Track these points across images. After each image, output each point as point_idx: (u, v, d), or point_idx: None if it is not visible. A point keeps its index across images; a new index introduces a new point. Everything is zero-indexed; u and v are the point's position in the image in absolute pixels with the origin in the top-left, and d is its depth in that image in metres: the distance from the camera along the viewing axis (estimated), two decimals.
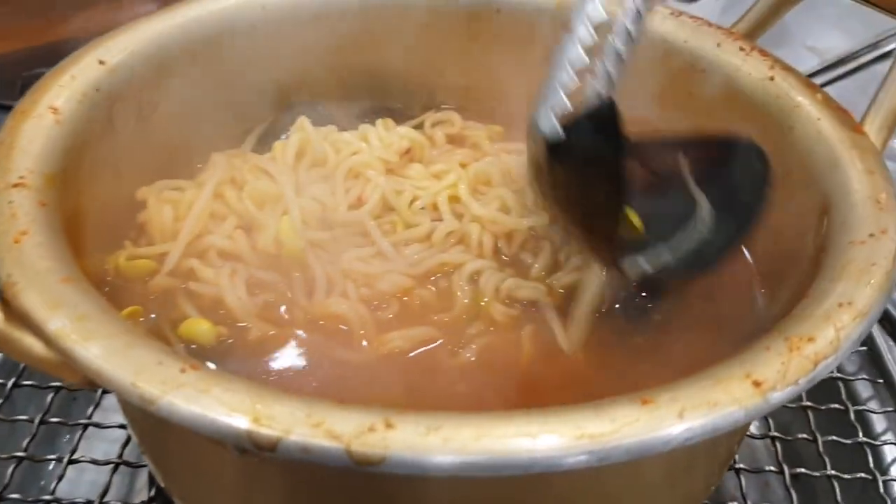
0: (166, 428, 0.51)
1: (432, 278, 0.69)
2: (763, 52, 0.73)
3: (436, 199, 0.73)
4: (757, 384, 0.45)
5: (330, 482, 0.50)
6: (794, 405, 0.78)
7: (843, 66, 1.22)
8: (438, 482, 0.47)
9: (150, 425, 0.58)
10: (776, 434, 0.76)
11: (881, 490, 0.71)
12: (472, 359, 0.64)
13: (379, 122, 0.80)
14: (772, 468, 0.73)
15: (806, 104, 0.68)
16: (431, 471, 0.41)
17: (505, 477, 0.43)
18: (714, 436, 0.44)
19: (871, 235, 0.56)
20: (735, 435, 0.62)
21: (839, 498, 0.70)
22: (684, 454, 0.55)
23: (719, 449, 0.61)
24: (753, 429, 0.80)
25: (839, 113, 0.67)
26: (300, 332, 0.64)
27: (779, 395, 0.45)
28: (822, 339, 0.48)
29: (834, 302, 0.51)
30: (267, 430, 0.41)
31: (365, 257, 0.69)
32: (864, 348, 0.85)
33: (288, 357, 0.62)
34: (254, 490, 0.53)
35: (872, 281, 0.53)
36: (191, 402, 0.42)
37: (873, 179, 0.61)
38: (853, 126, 0.66)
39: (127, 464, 0.71)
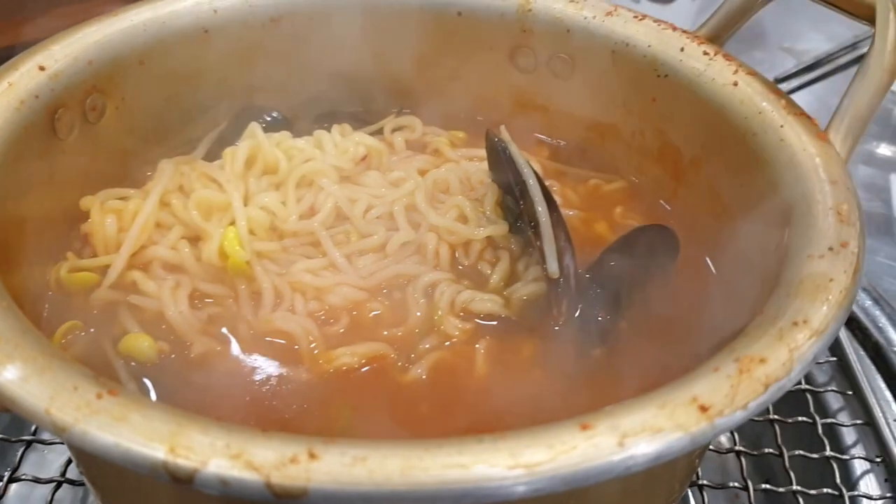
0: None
1: (385, 291, 0.67)
2: (728, 57, 0.71)
3: (392, 207, 0.71)
4: (703, 409, 0.43)
5: None
6: (760, 418, 0.76)
7: (819, 68, 1.21)
8: None
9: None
10: (742, 448, 0.74)
11: (836, 478, 0.70)
12: (424, 376, 0.62)
13: (335, 127, 0.77)
14: (736, 484, 0.71)
15: (769, 110, 0.66)
16: (357, 503, 0.39)
17: None
18: (658, 463, 0.42)
19: (831, 249, 0.54)
20: (694, 452, 0.60)
21: None
22: (638, 474, 0.53)
23: (677, 467, 0.59)
24: (722, 440, 0.78)
25: (803, 120, 0.65)
26: (245, 349, 0.62)
27: (726, 421, 0.43)
28: (775, 361, 0.46)
29: (788, 320, 0.49)
30: (184, 461, 0.39)
31: (315, 269, 0.67)
32: (834, 359, 0.84)
33: (231, 375, 0.60)
34: None
35: (830, 298, 0.51)
36: (105, 431, 0.40)
37: (836, 190, 0.59)
38: (817, 134, 0.64)
39: (70, 482, 0.69)
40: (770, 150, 0.64)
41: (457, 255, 0.70)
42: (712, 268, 0.70)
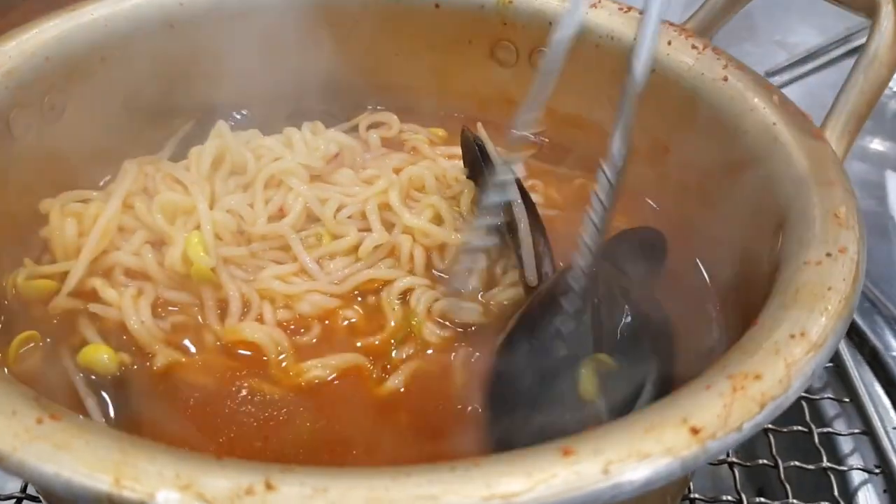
0: None
1: (359, 297, 0.64)
2: (717, 51, 0.68)
3: (364, 206, 0.68)
4: (695, 431, 0.40)
5: None
6: None
7: (811, 61, 1.18)
8: None
9: None
10: (735, 459, 0.70)
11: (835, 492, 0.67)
12: (401, 388, 0.59)
13: (306, 125, 0.74)
14: (729, 497, 0.68)
15: (761, 107, 0.63)
16: None
17: None
18: (647, 490, 0.39)
19: (829, 255, 0.51)
20: None
21: None
22: None
23: (668, 484, 0.56)
24: None
25: (797, 117, 0.62)
26: (210, 360, 0.59)
27: (719, 444, 0.40)
28: (771, 377, 0.43)
29: (785, 332, 0.46)
30: (129, 493, 0.36)
31: (285, 275, 0.64)
32: (830, 364, 0.81)
33: (195, 388, 0.57)
34: None
35: (828, 308, 0.48)
36: (44, 460, 0.37)
37: (832, 192, 0.56)
38: (812, 132, 0.61)
39: (31, 498, 0.65)
40: (762, 148, 0.61)
41: (432, 257, 0.67)
42: (703, 272, 0.67)
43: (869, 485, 0.72)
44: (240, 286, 0.62)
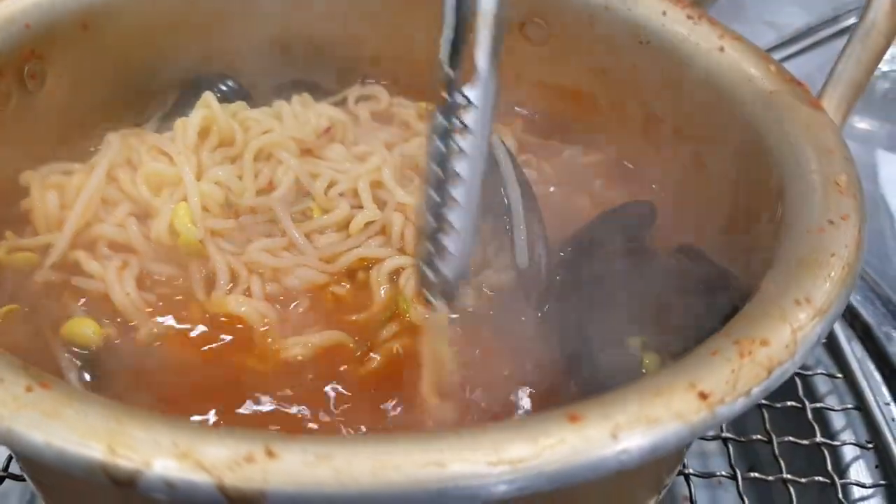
0: None
1: (347, 273, 0.63)
2: (712, 21, 0.67)
3: (356, 184, 0.66)
4: (703, 396, 0.39)
5: None
6: None
7: (801, 41, 1.18)
8: None
9: None
10: (729, 435, 0.70)
11: (839, 494, 0.66)
12: (384, 367, 0.57)
13: (295, 98, 0.72)
14: (723, 473, 0.67)
15: (758, 77, 0.62)
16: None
17: None
18: (654, 457, 0.38)
19: (831, 222, 0.50)
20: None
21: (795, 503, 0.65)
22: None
23: (667, 457, 0.55)
24: None
25: (795, 86, 0.61)
26: (196, 334, 0.57)
27: (728, 409, 0.39)
28: (777, 343, 0.42)
29: (790, 299, 0.45)
30: (124, 462, 0.35)
31: (274, 248, 0.62)
32: (824, 341, 0.80)
33: (180, 362, 0.56)
34: None
35: (832, 274, 0.47)
36: (34, 429, 0.36)
37: (832, 159, 0.55)
38: (810, 101, 0.60)
39: (14, 477, 0.64)
40: (760, 118, 0.60)
41: None
42: (701, 244, 0.66)
43: (861, 460, 0.72)
44: (228, 259, 0.61)
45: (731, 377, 0.40)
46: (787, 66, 0.64)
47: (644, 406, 0.38)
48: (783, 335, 0.43)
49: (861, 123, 1.19)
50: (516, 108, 0.79)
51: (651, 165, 0.71)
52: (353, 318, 0.60)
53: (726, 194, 0.63)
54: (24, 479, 0.63)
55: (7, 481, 0.64)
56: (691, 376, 0.40)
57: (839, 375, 0.77)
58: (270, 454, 0.35)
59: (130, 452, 0.35)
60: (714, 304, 0.54)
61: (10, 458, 0.65)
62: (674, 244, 0.65)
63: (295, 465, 0.35)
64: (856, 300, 0.85)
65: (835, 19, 1.18)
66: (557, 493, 0.45)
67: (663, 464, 0.56)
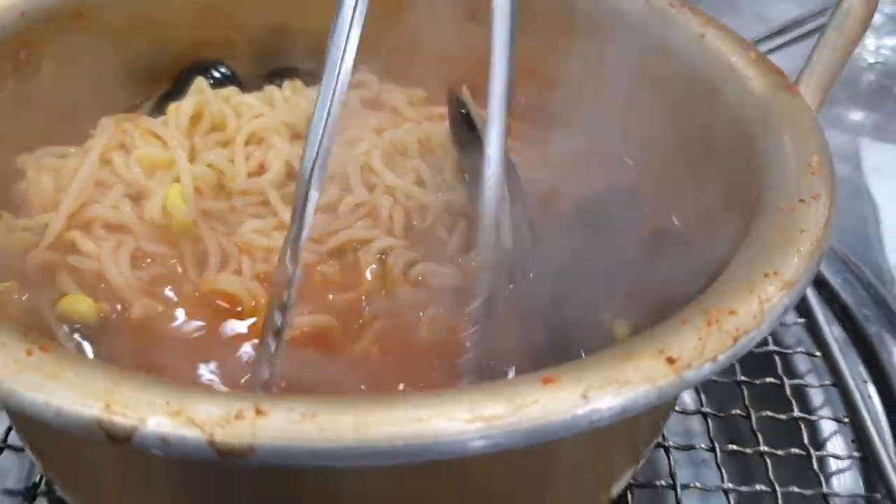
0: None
1: (336, 253, 0.64)
2: (694, 10, 0.69)
3: (346, 168, 0.68)
4: (671, 361, 0.41)
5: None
6: (727, 380, 0.75)
7: (789, 32, 1.20)
8: (324, 474, 0.43)
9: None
10: (708, 410, 0.72)
11: (815, 466, 0.68)
12: (372, 346, 0.59)
13: (286, 83, 0.74)
14: (703, 445, 0.69)
15: (738, 64, 0.64)
16: (307, 461, 0.37)
17: (397, 465, 0.39)
18: (624, 417, 0.40)
19: (802, 201, 0.52)
20: (658, 412, 0.59)
21: (771, 475, 0.67)
22: (601, 433, 0.51)
23: (642, 427, 0.57)
24: (688, 402, 0.77)
25: (772, 72, 0.63)
26: (188, 310, 0.59)
27: (694, 374, 0.41)
28: (745, 313, 0.44)
29: (759, 272, 0.47)
30: (120, 419, 0.36)
31: (265, 229, 0.64)
32: (803, 320, 0.82)
33: (172, 338, 0.57)
34: (126, 479, 0.48)
35: (801, 249, 0.49)
36: (34, 389, 0.38)
37: (806, 143, 0.57)
38: (786, 86, 0.62)
39: (12, 448, 0.66)
40: (738, 103, 0.62)
41: (413, 220, 0.67)
42: (679, 225, 0.68)
43: (838, 434, 0.74)
44: (219, 239, 0.63)
45: (699, 344, 0.42)
46: (775, 56, 0.66)
47: (614, 370, 0.40)
48: (751, 306, 0.45)
49: (847, 113, 1.21)
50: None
51: (633, 151, 0.73)
52: (341, 296, 0.62)
53: (706, 178, 0.65)
54: (22, 450, 0.65)
55: (6, 452, 0.65)
56: (660, 343, 0.42)
57: (818, 354, 0.79)
58: (259, 412, 0.37)
59: (126, 410, 0.36)
60: (689, 281, 0.56)
61: (8, 430, 0.67)
62: (654, 227, 0.67)
63: (282, 421, 0.36)
64: (837, 283, 0.87)
65: (823, 12, 1.20)
66: (536, 457, 0.48)
67: (639, 433, 0.58)
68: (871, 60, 1.31)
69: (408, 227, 0.67)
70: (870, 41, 1.33)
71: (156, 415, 0.36)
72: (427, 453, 0.37)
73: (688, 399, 0.77)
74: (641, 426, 0.57)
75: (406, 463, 0.38)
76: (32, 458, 0.60)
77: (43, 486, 0.63)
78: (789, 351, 0.80)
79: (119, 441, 0.36)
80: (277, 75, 0.77)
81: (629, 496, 0.65)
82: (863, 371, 0.79)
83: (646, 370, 0.40)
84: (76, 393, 0.37)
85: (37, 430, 0.53)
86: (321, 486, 0.46)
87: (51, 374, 0.38)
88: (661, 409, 0.58)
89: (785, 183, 0.54)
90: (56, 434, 0.49)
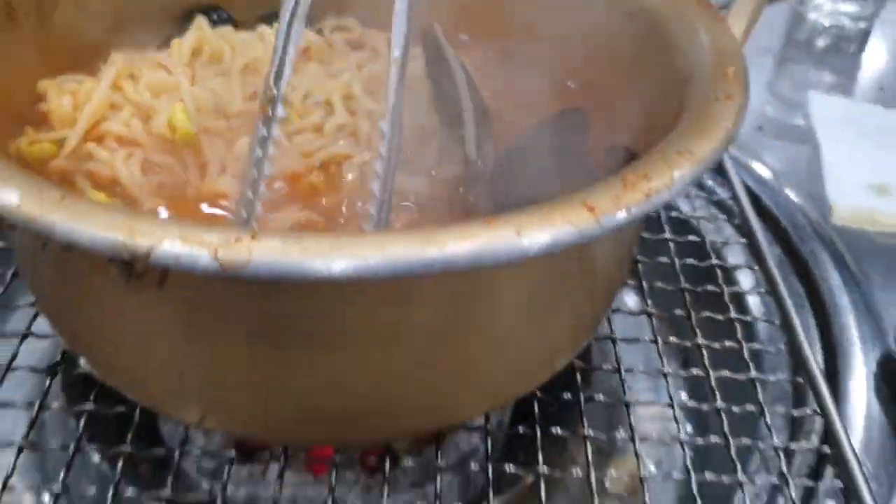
0: (57, 268, 0.55)
1: (321, 165, 0.73)
2: None
3: (330, 96, 0.77)
4: (591, 209, 0.50)
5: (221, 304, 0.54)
6: (672, 287, 0.83)
7: None
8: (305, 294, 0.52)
9: (43, 269, 0.61)
10: (653, 311, 0.81)
11: (745, 355, 0.77)
12: None
13: (275, 24, 0.83)
14: (646, 338, 0.78)
15: None
16: (294, 275, 0.45)
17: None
18: (552, 251, 0.48)
19: (717, 99, 0.61)
20: (601, 286, 0.67)
21: (707, 362, 0.76)
22: (541, 292, 0.60)
23: (585, 303, 0.66)
24: (632, 307, 0.85)
25: (706, 6, 0.72)
26: (191, 208, 0.68)
27: (610, 219, 0.50)
28: (657, 178, 0.53)
29: (673, 150, 0.56)
30: (141, 241, 0.45)
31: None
32: (745, 240, 0.91)
33: None
34: (140, 320, 0.57)
35: (712, 135, 0.58)
36: (70, 221, 0.46)
37: (726, 58, 0.66)
38: (717, 17, 0.71)
39: (35, 335, 0.75)
40: (676, 32, 0.72)
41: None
42: (631, 143, 0.77)
43: (769, 333, 0.84)
44: (218, 150, 0.71)
45: (616, 198, 0.51)
46: None
47: (544, 216, 0.49)
48: (664, 174, 0.53)
49: (804, 71, 1.31)
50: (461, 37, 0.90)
51: (574, 74, 0.82)
52: (325, 199, 0.71)
53: (650, 95, 0.73)
54: (45, 336, 0.74)
55: (31, 338, 0.75)
56: (583, 197, 0.51)
57: (755, 267, 0.88)
58: (254, 237, 0.45)
59: (146, 236, 0.45)
60: None
61: (33, 319, 0.76)
62: (607, 145, 0.76)
63: (274, 245, 0.45)
64: (779, 212, 0.97)
65: None
66: (485, 300, 0.56)
67: (582, 312, 0.67)
68: (827, 24, 1.41)
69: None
70: (827, 6, 1.43)
71: (169, 238, 0.45)
72: (387, 271, 0.45)
73: (632, 303, 0.86)
74: (586, 302, 0.66)
75: (368, 278, 0.46)
76: (54, 329, 0.68)
77: (63, 365, 0.72)
78: (730, 265, 0.88)
79: (139, 259, 0.45)
80: (267, 19, 0.86)
81: (577, 377, 0.73)
82: (796, 283, 0.88)
83: (569, 216, 0.49)
84: (105, 225, 0.46)
85: (53, 283, 0.61)
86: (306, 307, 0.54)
87: (83, 211, 0.47)
88: (604, 280, 0.67)
89: (705, 88, 0.63)
90: (79, 278, 0.58)
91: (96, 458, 0.75)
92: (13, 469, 0.65)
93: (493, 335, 0.60)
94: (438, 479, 0.66)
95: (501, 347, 0.61)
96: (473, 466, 0.70)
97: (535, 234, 0.48)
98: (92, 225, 0.46)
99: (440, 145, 0.76)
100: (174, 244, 0.45)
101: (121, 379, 0.64)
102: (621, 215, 0.50)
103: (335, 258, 0.45)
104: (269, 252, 0.45)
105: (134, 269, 0.50)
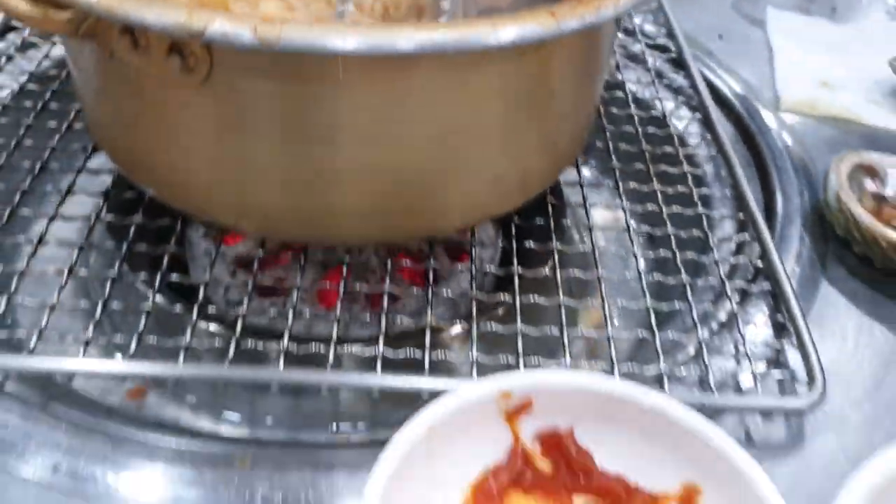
0: (117, 78, 0.68)
1: None
2: None
3: None
4: (553, 15, 0.62)
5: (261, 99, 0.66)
6: (634, 149, 0.95)
7: None
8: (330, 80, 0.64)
9: (91, 72, 0.74)
10: (617, 166, 0.93)
11: (695, 198, 0.90)
12: None
13: None
14: (609, 184, 0.91)
15: None
16: (316, 48, 0.58)
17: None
18: (522, 42, 0.61)
19: None
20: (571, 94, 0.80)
21: (661, 201, 0.88)
22: (521, 103, 0.73)
23: (554, 130, 0.79)
24: (599, 163, 0.98)
25: None
26: None
27: (568, 23, 0.62)
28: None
29: None
30: (197, 21, 0.57)
31: (278, 8, 0.85)
32: (700, 115, 1.04)
33: None
34: (187, 118, 0.69)
35: None
36: (140, 10, 0.59)
37: None
38: None
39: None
40: None
41: (389, 10, 0.89)
42: None
43: (717, 182, 0.96)
44: (244, 10, 0.84)
45: (573, 9, 0.64)
46: None
47: (516, 18, 0.62)
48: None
49: None
50: None
51: None
52: None
53: None
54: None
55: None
56: (549, 7, 0.63)
57: (709, 136, 1.01)
58: (283, 21, 0.58)
59: (200, 18, 0.58)
60: None
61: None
62: None
63: (300, 27, 0.58)
64: (736, 102, 1.10)
65: None
66: (471, 99, 0.69)
67: (549, 149, 0.79)
68: None
69: (385, 15, 0.88)
70: None
71: (218, 20, 0.58)
72: (389, 48, 0.58)
73: (600, 161, 0.99)
74: (566, 121, 0.78)
75: (371, 53, 0.59)
76: (106, 148, 0.80)
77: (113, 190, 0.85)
78: (686, 133, 1.01)
79: (195, 35, 0.58)
80: None
81: (549, 209, 0.86)
82: (742, 149, 1.01)
83: (537, 18, 0.62)
84: (167, 9, 0.58)
85: (99, 86, 0.74)
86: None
87: (150, 3, 0.59)
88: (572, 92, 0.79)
89: None
90: (139, 80, 0.70)
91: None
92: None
93: (478, 135, 0.72)
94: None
95: (482, 156, 0.73)
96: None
97: (508, 27, 0.61)
98: (157, 11, 0.59)
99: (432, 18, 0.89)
100: (223, 24, 0.58)
101: (165, 188, 0.77)
102: (575, 22, 0.63)
103: (347, 35, 0.58)
104: (296, 31, 0.58)
105: (187, 62, 0.63)
